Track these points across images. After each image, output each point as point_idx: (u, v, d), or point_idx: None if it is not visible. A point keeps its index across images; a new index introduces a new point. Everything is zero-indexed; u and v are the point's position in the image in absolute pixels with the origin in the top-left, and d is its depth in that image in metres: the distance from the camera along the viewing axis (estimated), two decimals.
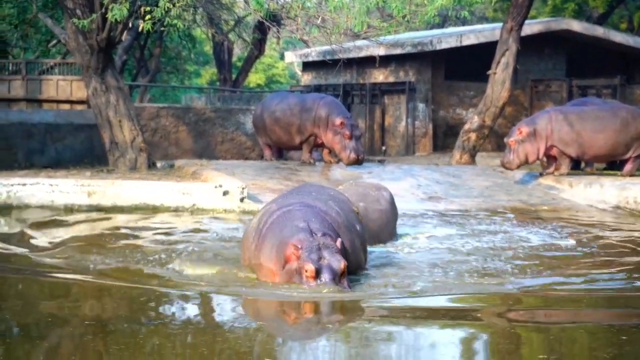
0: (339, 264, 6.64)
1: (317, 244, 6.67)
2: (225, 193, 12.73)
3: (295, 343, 5.66)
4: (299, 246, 6.69)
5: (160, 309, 6.50)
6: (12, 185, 12.51)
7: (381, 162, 19.01)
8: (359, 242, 7.64)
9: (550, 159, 15.91)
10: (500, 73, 18.12)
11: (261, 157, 18.70)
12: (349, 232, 7.44)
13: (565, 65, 25.21)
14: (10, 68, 22.78)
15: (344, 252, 6.87)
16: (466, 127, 18.68)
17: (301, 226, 6.88)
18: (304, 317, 6.31)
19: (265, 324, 6.22)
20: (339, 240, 6.82)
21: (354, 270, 7.32)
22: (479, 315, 6.68)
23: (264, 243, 7.15)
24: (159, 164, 16.25)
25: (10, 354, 5.14)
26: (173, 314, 6.35)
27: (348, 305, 6.57)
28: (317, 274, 6.59)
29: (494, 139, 22.38)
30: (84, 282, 7.44)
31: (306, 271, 6.62)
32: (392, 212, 9.94)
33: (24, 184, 12.58)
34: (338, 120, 16.06)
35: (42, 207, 12.33)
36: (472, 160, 18.46)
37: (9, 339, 5.54)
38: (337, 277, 6.64)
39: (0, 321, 6.03)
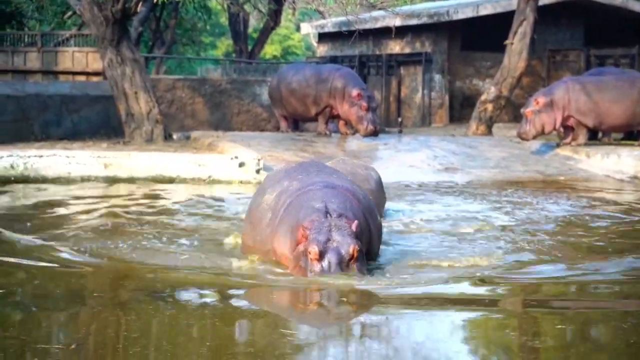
0: (349, 247, 5.99)
1: (328, 225, 6.05)
2: (241, 165, 12.74)
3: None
4: (309, 227, 6.09)
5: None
6: (28, 157, 12.56)
7: (400, 132, 18.97)
8: (377, 229, 6.92)
9: (567, 129, 15.82)
10: (518, 43, 17.98)
11: (277, 128, 18.69)
12: (372, 218, 6.75)
13: (583, 34, 24.96)
14: (26, 40, 22.78)
15: (363, 235, 6.28)
16: (483, 97, 18.59)
17: (317, 206, 6.25)
18: (284, 306, 5.87)
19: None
20: (355, 223, 6.13)
21: (374, 256, 6.79)
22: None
23: (280, 225, 6.54)
24: (175, 136, 16.27)
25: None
26: None
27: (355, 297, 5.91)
28: (321, 256, 5.97)
29: (511, 109, 22.24)
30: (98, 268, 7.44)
31: (309, 253, 6.00)
32: (380, 193, 9.33)
33: (41, 156, 12.63)
34: (355, 92, 16.00)
35: (58, 178, 12.37)
36: (488, 131, 18.38)
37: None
38: (345, 262, 6.00)
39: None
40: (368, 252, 6.49)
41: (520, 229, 8.88)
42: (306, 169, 7.12)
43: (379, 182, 9.32)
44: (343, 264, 5.98)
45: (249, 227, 7.00)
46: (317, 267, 6.02)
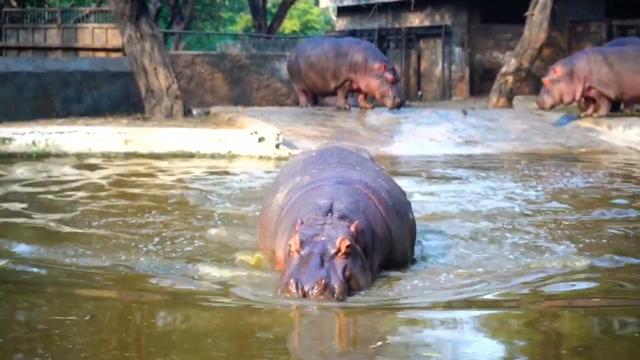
0: (336, 239, 5.15)
1: (323, 223, 5.31)
2: (260, 140, 12.75)
3: None
4: (301, 224, 5.37)
5: None
6: (50, 133, 12.63)
7: (421, 97, 18.90)
8: (407, 230, 6.05)
9: (589, 100, 15.70)
10: (538, 14, 17.82)
11: (296, 103, 18.67)
12: (398, 218, 5.92)
13: (604, 5, 24.68)
14: (46, 16, 22.84)
15: (375, 240, 5.54)
16: (503, 70, 18.47)
17: (321, 204, 5.51)
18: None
19: None
20: (355, 224, 5.31)
21: (399, 263, 5.89)
22: None
23: (281, 225, 5.82)
24: (194, 112, 16.30)
25: None
26: None
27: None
28: (302, 246, 5.16)
29: (532, 81, 22.07)
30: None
31: (290, 245, 5.23)
32: None
33: (62, 132, 12.70)
34: (377, 65, 15.92)
35: (79, 154, 12.44)
36: (509, 104, 18.28)
37: None
38: (329, 255, 5.13)
39: None
40: (389, 258, 5.75)
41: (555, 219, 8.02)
42: (326, 159, 6.37)
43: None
44: (326, 257, 5.10)
45: (260, 229, 6.34)
46: (294, 260, 5.16)
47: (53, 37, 21.69)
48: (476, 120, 15.83)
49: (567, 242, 6.95)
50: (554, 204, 8.90)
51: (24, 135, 12.47)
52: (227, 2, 39.98)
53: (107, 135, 12.76)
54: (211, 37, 44.25)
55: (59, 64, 17.36)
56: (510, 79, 18.19)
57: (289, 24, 52.94)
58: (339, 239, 5.16)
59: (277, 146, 12.72)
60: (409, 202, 6.38)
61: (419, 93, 23.59)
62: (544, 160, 13.04)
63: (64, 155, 12.40)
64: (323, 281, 4.97)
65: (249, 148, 12.73)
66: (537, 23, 17.87)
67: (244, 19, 52.57)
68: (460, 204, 8.82)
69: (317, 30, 54.58)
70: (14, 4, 24.33)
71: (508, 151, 14.01)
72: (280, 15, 34.50)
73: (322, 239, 5.18)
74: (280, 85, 21.64)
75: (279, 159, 12.44)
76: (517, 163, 12.53)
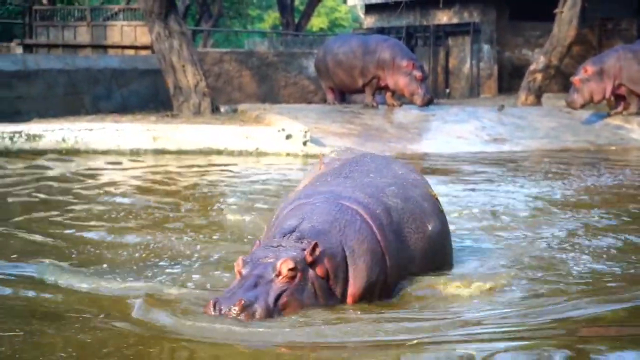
0: (277, 261, 4.70)
1: (278, 244, 4.89)
2: (288, 137, 12.77)
3: None
4: (258, 244, 5.01)
5: None
6: (79, 130, 12.73)
7: (448, 92, 18.84)
8: (422, 244, 5.47)
9: (618, 98, 15.58)
10: (567, 11, 17.70)
11: (324, 100, 18.68)
12: (403, 234, 5.35)
13: (635, 2, 24.47)
14: (75, 14, 23.01)
15: (329, 259, 4.89)
16: (532, 67, 18.37)
17: (287, 225, 5.07)
18: None
19: None
20: (311, 246, 4.77)
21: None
22: None
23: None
24: (222, 109, 16.36)
25: None
26: None
27: None
28: (244, 266, 4.77)
29: (561, 79, 21.94)
30: None
31: (235, 266, 4.88)
32: None
33: (91, 129, 12.79)
34: (405, 62, 15.89)
35: (108, 151, 12.53)
36: (538, 101, 18.18)
37: None
38: (268, 278, 4.68)
39: None
40: (394, 275, 5.21)
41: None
42: (338, 171, 5.82)
43: None
44: (263, 280, 4.67)
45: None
46: (235, 281, 4.82)
47: (83, 34, 21.84)
48: (505, 118, 15.76)
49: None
50: (586, 202, 8.81)
51: (54, 132, 12.57)
52: (255, 0, 40.07)
53: (135, 132, 12.84)
54: (239, 35, 44.36)
55: (88, 61, 17.50)
56: (539, 76, 18.09)
57: (317, 22, 52.96)
58: (280, 261, 4.70)
59: (305, 143, 12.73)
60: (435, 213, 5.65)
61: (447, 91, 23.51)
62: (573, 158, 12.95)
63: (93, 152, 12.49)
64: (242, 303, 4.50)
65: (276, 145, 12.75)
66: (566, 20, 17.75)
67: (272, 17, 52.65)
68: (489, 204, 8.67)
69: (345, 27, 54.55)
70: (45, 2, 24.52)
71: (537, 149, 13.93)
72: (308, 13, 34.51)
73: (269, 261, 4.74)
74: (307, 83, 21.65)
75: (306, 156, 12.46)
76: (546, 161, 12.45)
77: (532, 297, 5.17)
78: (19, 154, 12.06)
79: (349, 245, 4.99)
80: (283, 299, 4.66)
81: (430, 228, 5.52)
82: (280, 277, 4.68)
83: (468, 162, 12.53)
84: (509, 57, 23.99)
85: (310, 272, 4.79)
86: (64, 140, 12.55)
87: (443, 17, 24.44)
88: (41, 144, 12.44)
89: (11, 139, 12.27)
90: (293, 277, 4.71)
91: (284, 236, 4.93)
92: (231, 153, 12.71)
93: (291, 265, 4.69)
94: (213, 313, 4.52)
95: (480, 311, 4.90)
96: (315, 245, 4.80)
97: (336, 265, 4.90)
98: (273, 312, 4.59)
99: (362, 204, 5.24)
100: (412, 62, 15.91)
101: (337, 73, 16.83)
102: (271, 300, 4.62)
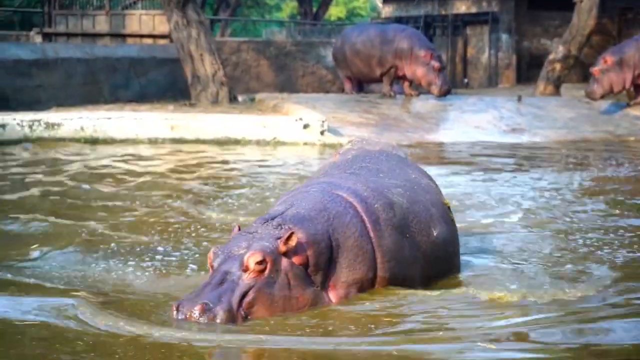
0: (244, 257, 4.43)
1: (255, 231, 4.63)
2: (305, 126, 12.78)
3: None
4: (238, 229, 4.80)
5: None
6: (98, 119, 12.78)
7: (466, 83, 18.77)
8: (433, 250, 5.20)
9: (638, 88, 15.48)
10: (587, 1, 17.59)
11: (342, 90, 18.67)
12: (400, 232, 5.03)
13: None
14: (94, 3, 23.08)
15: (312, 247, 4.61)
16: (551, 57, 18.28)
17: (272, 211, 4.89)
18: None
19: None
20: (283, 238, 4.50)
21: (403, 279, 5.02)
22: None
23: None
24: (240, 98, 16.38)
25: None
26: None
27: None
28: (214, 259, 4.54)
29: (580, 69, 21.82)
30: None
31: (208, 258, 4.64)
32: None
33: (110, 118, 12.84)
34: (423, 52, 15.86)
35: (126, 140, 12.58)
36: (556, 92, 18.09)
37: None
38: (235, 275, 4.42)
39: None
40: (384, 274, 4.91)
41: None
42: (349, 165, 5.64)
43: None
44: (230, 276, 4.42)
45: None
46: (208, 276, 4.58)
47: (101, 23, 21.90)
48: (523, 108, 15.70)
49: None
50: (604, 191, 8.72)
51: (73, 121, 12.63)
52: None
53: (154, 121, 12.88)
54: (257, 24, 44.36)
55: (107, 50, 17.56)
56: (557, 66, 18.00)
57: (335, 11, 52.90)
58: (247, 254, 4.42)
59: (322, 133, 12.73)
60: (443, 220, 5.34)
61: (465, 80, 23.45)
62: (591, 148, 12.90)
63: (112, 140, 12.54)
64: (202, 307, 4.28)
65: (294, 135, 12.76)
66: (586, 9, 17.64)
67: (290, 6, 52.60)
68: (504, 194, 8.61)
69: (363, 17, 54.43)
70: None
71: (555, 139, 13.88)
72: (326, 2, 34.48)
73: (240, 252, 4.48)
74: (325, 72, 21.64)
75: (323, 145, 12.47)
76: (564, 152, 12.40)
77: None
78: (38, 142, 12.13)
79: (335, 237, 4.73)
80: (249, 297, 4.39)
81: (436, 234, 5.23)
82: (248, 273, 4.41)
83: (485, 152, 12.50)
84: (528, 47, 23.88)
85: (284, 261, 4.52)
86: (82, 128, 12.60)
87: (461, 7, 24.36)
88: (60, 133, 12.50)
89: (30, 127, 12.34)
90: (262, 271, 4.43)
91: (265, 222, 4.67)
92: (248, 142, 12.74)
93: (259, 258, 4.41)
94: (176, 317, 4.32)
95: None
96: (291, 234, 4.51)
97: (318, 252, 4.64)
98: (237, 314, 4.32)
99: (359, 196, 5.00)
100: (431, 52, 15.87)
101: (354, 62, 16.82)
102: (235, 300, 4.35)
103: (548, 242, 6.43)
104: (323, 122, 12.81)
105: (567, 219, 7.28)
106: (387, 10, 27.86)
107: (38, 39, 21.28)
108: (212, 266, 4.52)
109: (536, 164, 11.09)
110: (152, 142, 12.62)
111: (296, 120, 12.89)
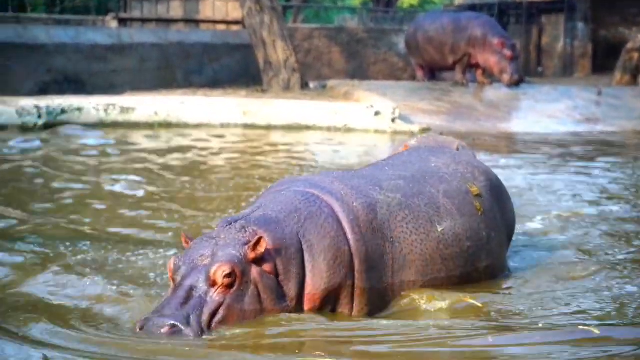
0: (210, 270, 4.05)
1: (217, 235, 4.21)
2: (376, 113, 12.75)
3: None
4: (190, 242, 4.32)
5: None
6: (171, 104, 12.94)
7: (541, 71, 18.49)
8: (434, 248, 4.73)
9: None
10: None
11: (413, 78, 18.57)
12: (414, 233, 4.63)
13: None
14: None
15: (279, 253, 4.22)
16: (629, 46, 17.90)
17: (239, 213, 4.52)
18: None
19: None
20: (251, 244, 4.11)
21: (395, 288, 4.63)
22: None
23: None
24: (311, 85, 16.42)
25: None
26: None
27: None
28: (174, 273, 4.13)
29: None
30: None
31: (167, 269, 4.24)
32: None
33: (183, 103, 12.99)
34: (496, 40, 15.68)
35: (199, 125, 12.71)
36: (634, 81, 17.71)
37: None
38: (201, 292, 4.04)
39: None
40: (366, 282, 4.48)
41: None
42: (384, 162, 5.28)
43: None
44: (196, 291, 4.06)
45: None
46: (169, 290, 4.18)
47: (176, 9, 22.14)
48: (598, 98, 15.41)
49: None
50: None
51: (147, 105, 12.81)
52: None
53: (226, 107, 12.99)
54: (329, 11, 44.35)
55: (181, 35, 17.76)
56: (635, 55, 17.62)
57: None
58: (214, 267, 4.03)
59: (393, 120, 12.69)
60: (459, 212, 4.84)
61: (539, 69, 23.10)
62: None
63: (185, 125, 12.69)
64: (169, 329, 3.91)
65: (364, 122, 12.74)
66: None
67: None
68: (570, 187, 8.36)
69: (436, 4, 53.95)
70: None
71: (631, 130, 13.61)
72: None
73: (205, 262, 4.07)
74: (397, 60, 21.55)
75: (394, 133, 12.43)
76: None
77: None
78: (113, 126, 12.34)
79: (307, 239, 4.31)
80: (219, 316, 4.03)
81: (441, 229, 4.74)
82: (216, 288, 4.03)
83: (557, 142, 12.32)
84: (605, 36, 23.40)
85: (254, 270, 4.12)
86: (156, 113, 12.77)
87: None
88: (134, 117, 12.69)
89: (106, 111, 12.55)
90: (231, 285, 4.05)
91: (227, 225, 4.23)
92: (319, 129, 12.76)
93: (227, 271, 4.02)
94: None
95: None
96: (260, 239, 4.10)
97: (288, 259, 4.23)
98: (208, 334, 3.97)
99: (335, 195, 4.53)
100: (504, 40, 15.68)
101: (427, 50, 16.71)
102: (205, 320, 3.99)
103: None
104: (394, 109, 12.77)
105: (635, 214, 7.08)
106: None
107: (114, 24, 21.62)
108: (173, 279, 4.10)
109: (610, 156, 10.87)
110: (225, 127, 12.73)
111: (367, 107, 12.87)
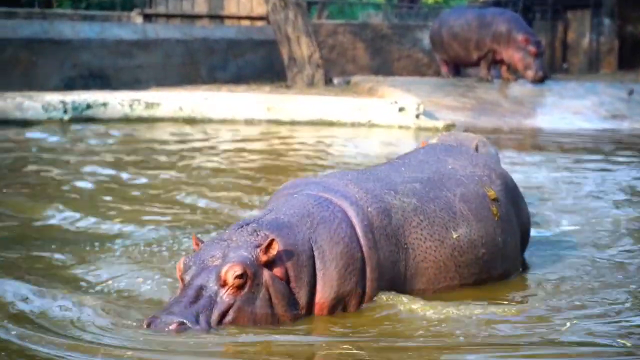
0: (221, 270, 4.01)
1: (227, 240, 4.18)
2: (401, 109, 12.73)
3: None
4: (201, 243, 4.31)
5: None
6: (195, 99, 12.98)
7: (566, 68, 18.36)
8: (449, 254, 4.66)
9: None
10: None
11: (438, 74, 18.52)
12: (428, 239, 4.59)
13: None
14: None
15: (290, 257, 4.18)
16: None
17: (246, 217, 4.58)
18: None
19: None
20: (263, 247, 4.08)
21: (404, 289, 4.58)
22: None
23: None
24: (335, 81, 16.41)
25: None
26: None
27: None
28: (185, 272, 4.12)
29: None
30: None
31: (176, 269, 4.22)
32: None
33: (207, 98, 13.02)
34: (521, 36, 15.61)
35: (223, 120, 12.74)
36: None
37: None
38: (211, 292, 4.00)
39: None
40: (374, 285, 4.43)
41: None
42: (400, 161, 5.18)
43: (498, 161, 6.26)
44: (206, 291, 4.02)
45: None
46: (179, 289, 4.16)
47: (200, 5, 22.19)
48: (624, 94, 15.29)
49: None
50: None
51: (171, 101, 12.86)
52: None
53: (250, 103, 13.01)
54: (353, 7, 44.26)
55: (205, 31, 17.80)
56: None
57: None
58: (225, 267, 3.99)
59: (418, 116, 12.66)
60: (475, 218, 4.76)
61: (565, 65, 22.95)
62: None
63: (209, 120, 12.72)
64: (177, 327, 3.89)
65: (388, 118, 12.72)
66: None
67: None
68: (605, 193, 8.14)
69: (461, 0, 53.75)
70: None
71: None
72: None
73: (215, 263, 4.04)
74: (421, 56, 21.47)
75: (419, 129, 12.40)
76: None
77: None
78: (138, 121, 12.40)
79: (319, 245, 4.26)
80: (229, 317, 4.00)
81: (456, 235, 4.66)
82: (226, 288, 4.00)
83: (583, 138, 12.24)
84: (631, 32, 23.19)
85: (265, 274, 4.09)
86: (181, 108, 12.81)
87: None
88: (158, 112, 12.74)
89: (130, 106, 12.61)
90: (241, 286, 4.01)
91: (239, 228, 4.20)
92: (344, 125, 12.75)
93: (239, 271, 3.99)
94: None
95: None
96: (272, 241, 4.07)
97: (299, 265, 4.19)
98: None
99: (350, 199, 4.47)
100: (528, 36, 15.61)
101: (452, 46, 16.66)
102: (214, 320, 3.97)
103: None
104: (419, 105, 12.74)
105: None
106: None
107: (139, 19, 21.70)
108: (182, 279, 4.09)
109: (635, 154, 10.79)
110: (249, 122, 12.75)
111: (391, 103, 12.85)
